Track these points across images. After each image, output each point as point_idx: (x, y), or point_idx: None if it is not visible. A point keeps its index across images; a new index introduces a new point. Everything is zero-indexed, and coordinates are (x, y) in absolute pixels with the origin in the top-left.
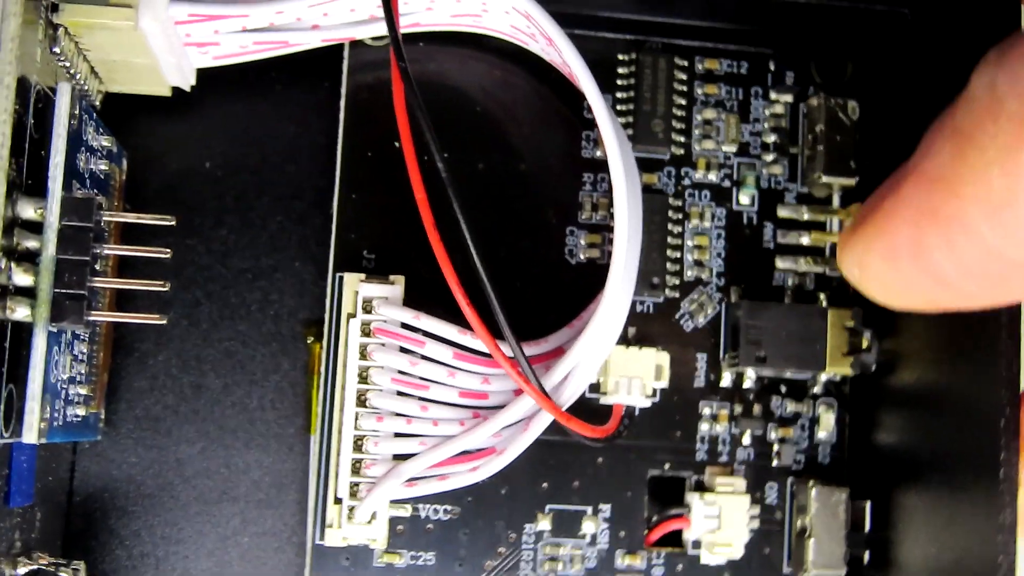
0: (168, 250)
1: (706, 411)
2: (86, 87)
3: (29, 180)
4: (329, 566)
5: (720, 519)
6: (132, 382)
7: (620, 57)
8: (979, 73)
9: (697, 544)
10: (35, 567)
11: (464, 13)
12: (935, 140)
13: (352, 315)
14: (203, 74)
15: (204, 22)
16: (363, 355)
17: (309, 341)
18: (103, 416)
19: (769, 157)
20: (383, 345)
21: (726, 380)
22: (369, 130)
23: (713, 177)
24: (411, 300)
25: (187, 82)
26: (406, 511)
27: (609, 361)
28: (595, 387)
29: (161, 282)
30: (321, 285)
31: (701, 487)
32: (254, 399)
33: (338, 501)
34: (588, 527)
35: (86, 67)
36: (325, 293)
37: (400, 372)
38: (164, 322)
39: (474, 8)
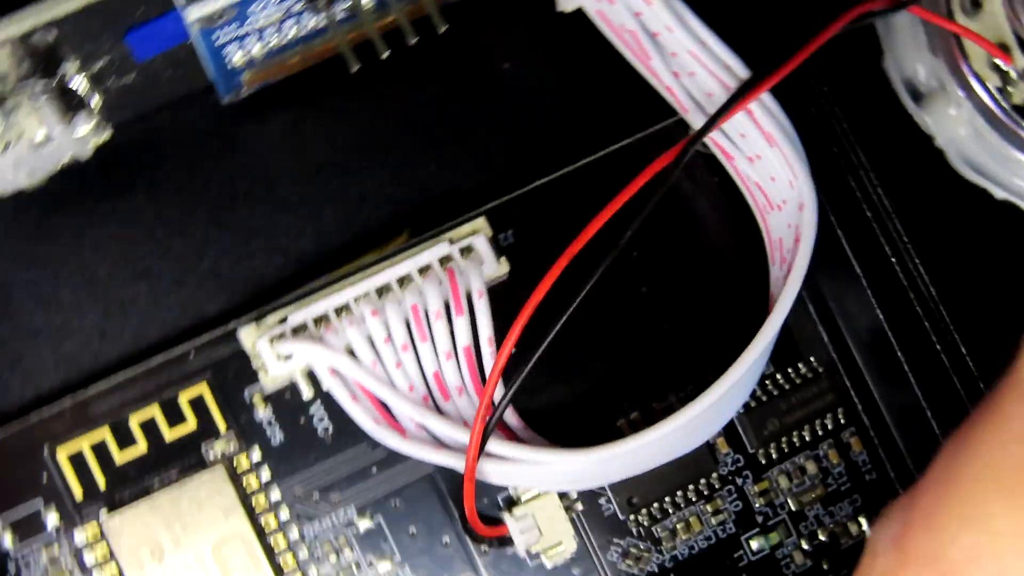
0: None
1: None
2: None
3: None
4: None
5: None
6: None
7: None
8: None
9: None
10: None
11: None
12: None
13: (451, 241)
14: None
15: None
16: (420, 271)
17: (406, 230)
18: None
19: None
20: (439, 284)
21: None
22: None
23: None
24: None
25: None
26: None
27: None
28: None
29: None
30: None
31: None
32: None
33: (283, 321)
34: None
35: None
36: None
37: (425, 312)
38: None
39: None
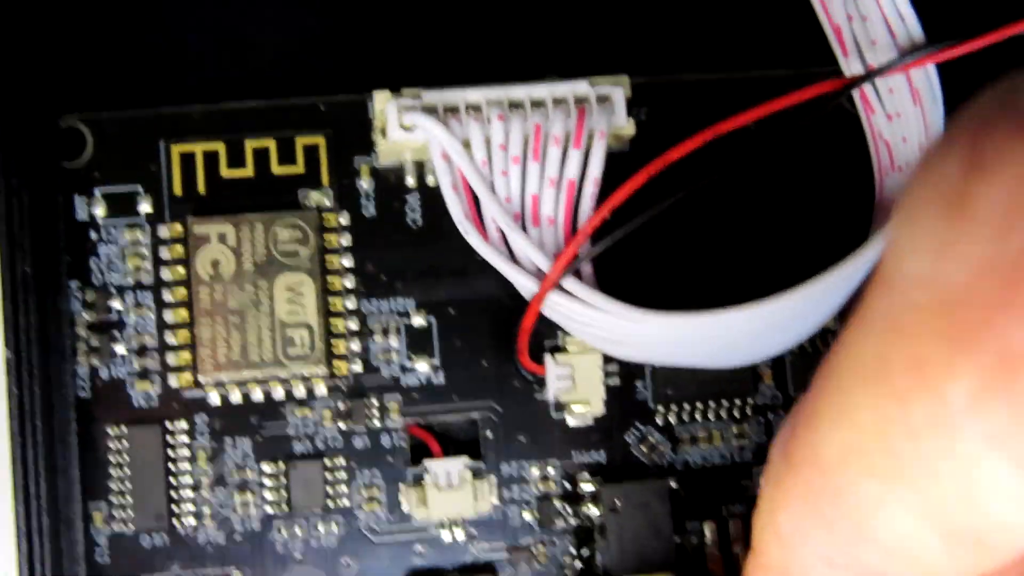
0: None
1: None
2: None
3: None
4: None
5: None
6: None
7: None
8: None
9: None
10: None
11: None
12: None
13: (592, 83)
14: None
15: None
16: (554, 101)
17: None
18: None
19: None
20: (567, 117)
21: None
22: None
23: None
24: None
25: None
26: None
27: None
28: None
29: None
30: None
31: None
32: None
33: (417, 97)
34: None
35: None
36: None
37: (546, 135)
38: None
39: None
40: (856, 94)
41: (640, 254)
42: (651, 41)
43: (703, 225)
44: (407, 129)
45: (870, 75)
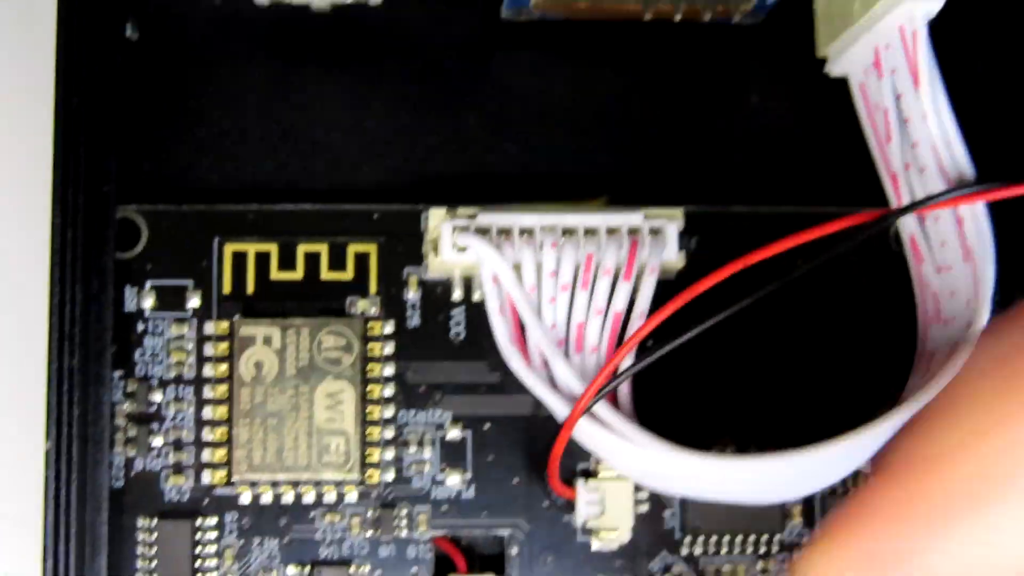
0: None
1: None
2: None
3: None
4: None
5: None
6: None
7: None
8: None
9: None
10: None
11: None
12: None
13: (647, 216)
14: None
15: None
16: (608, 230)
17: (606, 197)
18: None
19: None
20: (620, 248)
21: None
22: None
23: None
24: None
25: None
26: None
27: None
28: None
29: None
30: None
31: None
32: None
33: (472, 217)
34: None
35: None
36: None
37: (597, 265)
38: None
39: None
40: (907, 241)
41: (681, 384)
42: (707, 170)
43: (745, 356)
44: (460, 249)
45: (912, 206)
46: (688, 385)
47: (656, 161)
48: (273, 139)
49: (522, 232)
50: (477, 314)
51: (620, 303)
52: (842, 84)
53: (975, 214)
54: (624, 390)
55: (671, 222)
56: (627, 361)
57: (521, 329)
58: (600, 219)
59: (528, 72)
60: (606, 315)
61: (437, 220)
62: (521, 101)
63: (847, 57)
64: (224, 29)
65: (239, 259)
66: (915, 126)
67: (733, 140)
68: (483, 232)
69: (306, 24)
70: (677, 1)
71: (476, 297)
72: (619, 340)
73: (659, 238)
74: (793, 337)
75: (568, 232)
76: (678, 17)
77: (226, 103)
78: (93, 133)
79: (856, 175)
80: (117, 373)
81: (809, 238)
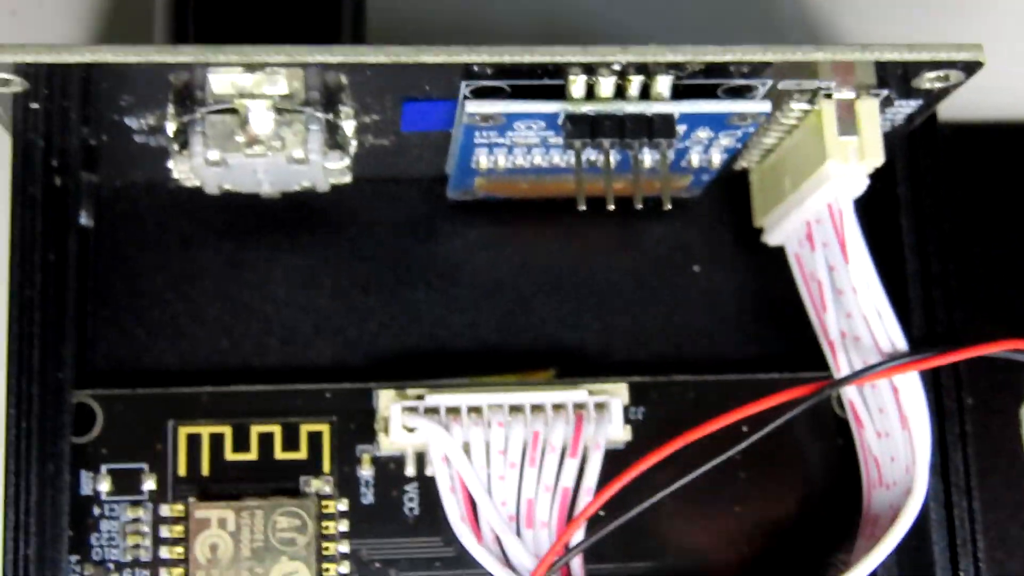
0: None
1: None
2: None
3: None
4: None
5: None
6: None
7: None
8: None
9: None
10: None
11: None
12: None
13: (591, 392)
14: None
15: None
16: (554, 406)
17: (554, 369)
18: None
19: None
20: (566, 424)
21: None
22: None
23: None
24: None
25: None
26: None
27: None
28: None
29: None
30: None
31: None
32: None
33: (420, 397)
34: None
35: None
36: None
37: (544, 442)
38: None
39: None
40: (848, 407)
41: (636, 546)
42: (652, 340)
43: (692, 519)
44: (409, 430)
45: (848, 378)
46: (643, 551)
47: (602, 332)
48: (226, 320)
49: (470, 411)
50: (431, 489)
51: (568, 479)
52: (780, 252)
53: (910, 382)
54: (576, 564)
55: (615, 397)
56: (578, 535)
57: (473, 506)
58: (546, 396)
59: (474, 248)
60: (555, 491)
61: (386, 401)
62: (469, 276)
63: (782, 229)
64: (176, 214)
65: (193, 441)
66: (848, 298)
67: (677, 309)
68: (432, 412)
69: (257, 208)
70: (612, 182)
71: (429, 472)
72: (569, 515)
73: (604, 413)
74: (742, 500)
75: (515, 409)
76: (610, 207)
77: (179, 285)
78: (48, 321)
79: (798, 340)
80: (74, 558)
81: (752, 411)
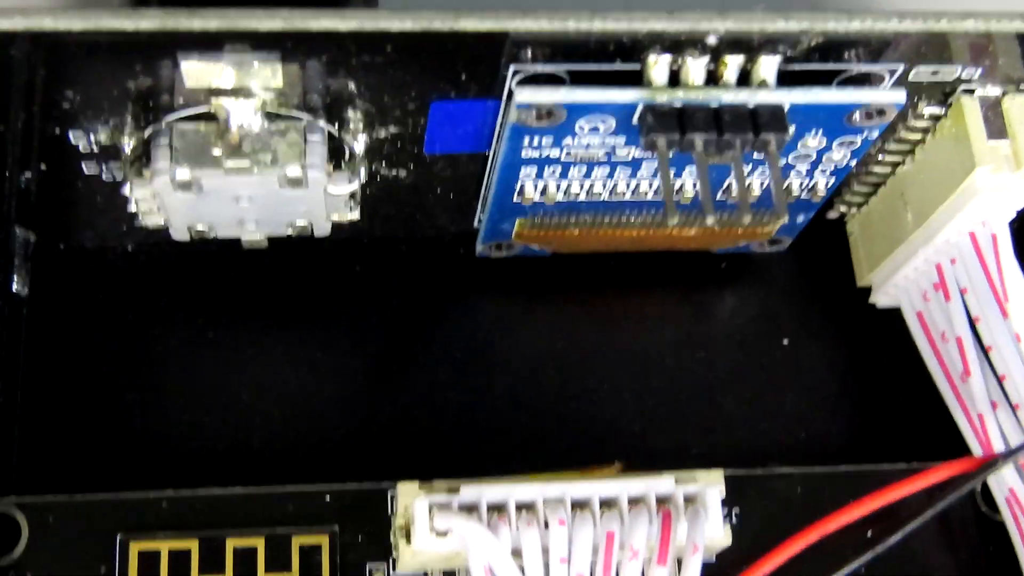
0: None
1: None
2: None
3: None
4: None
5: None
6: None
7: None
8: None
9: None
10: None
11: None
12: None
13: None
14: None
15: None
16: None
17: (620, 463)
18: None
19: None
20: (648, 524)
21: None
22: None
23: None
24: None
25: None
26: None
27: None
28: None
29: None
30: None
31: None
32: None
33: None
34: None
35: None
36: None
37: (619, 545)
38: None
39: None
40: (1003, 498)
41: None
42: (736, 427)
43: None
44: (440, 535)
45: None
46: None
47: (672, 419)
48: (193, 410)
49: (519, 508)
50: None
51: None
52: (891, 315)
53: None
54: None
55: (711, 487)
56: None
57: None
58: (618, 486)
59: (509, 319)
60: None
61: (409, 496)
62: (503, 354)
63: (896, 283)
64: (133, 281)
65: (148, 561)
66: (1003, 354)
67: (765, 391)
68: (469, 510)
69: (236, 265)
70: (683, 224)
71: None
72: None
73: (696, 509)
74: None
75: (579, 506)
76: (710, 219)
77: (135, 370)
78: None
79: (917, 423)
80: None
81: (892, 499)
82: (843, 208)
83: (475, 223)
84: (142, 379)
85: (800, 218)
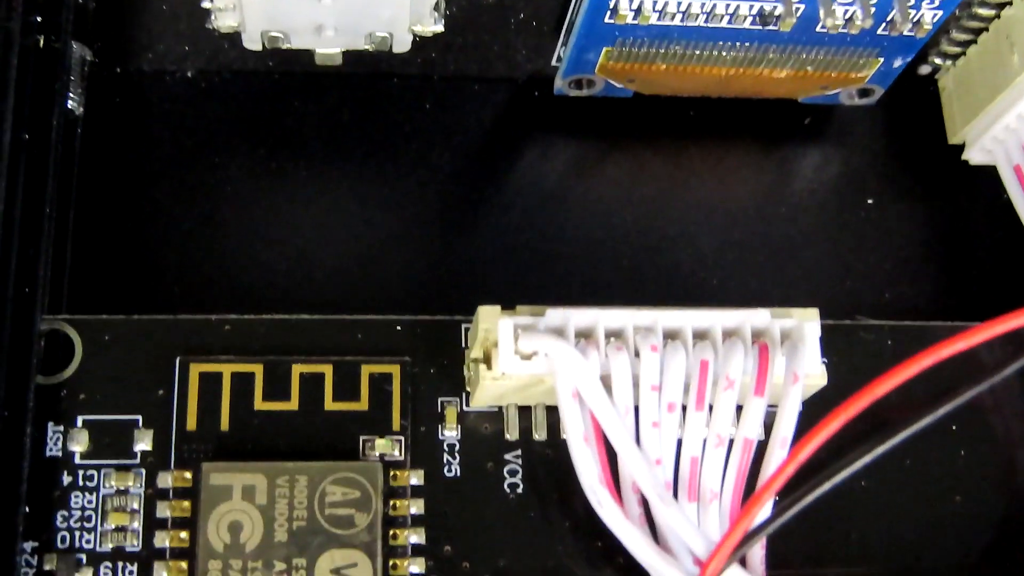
0: None
1: None
2: None
3: None
4: None
5: None
6: None
7: None
8: None
9: None
10: None
11: None
12: None
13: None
14: None
15: None
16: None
17: None
18: None
19: None
20: (744, 355)
21: None
22: None
23: None
24: None
25: None
26: None
27: None
28: None
29: None
30: None
31: None
32: None
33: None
34: None
35: None
36: None
37: (714, 376)
38: None
39: None
40: None
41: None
42: (816, 288)
43: (903, 514)
44: (526, 357)
45: None
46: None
47: (751, 272)
48: (257, 239)
49: (609, 335)
50: (542, 457)
51: (752, 427)
52: (984, 173)
53: None
54: (756, 556)
55: (808, 322)
56: (763, 512)
57: (613, 465)
58: (713, 318)
59: (587, 165)
60: (730, 446)
61: (491, 320)
62: (578, 200)
63: (995, 134)
64: (193, 107)
65: (209, 384)
66: None
67: (846, 248)
68: (557, 333)
69: (301, 94)
70: (775, 65)
71: (538, 437)
72: (753, 477)
73: (794, 343)
74: (963, 488)
75: (671, 336)
76: (784, 74)
77: (194, 198)
78: (15, 222)
79: (1009, 286)
80: (29, 545)
81: (975, 341)
82: (937, 60)
83: (553, 61)
84: (199, 208)
85: (897, 62)
